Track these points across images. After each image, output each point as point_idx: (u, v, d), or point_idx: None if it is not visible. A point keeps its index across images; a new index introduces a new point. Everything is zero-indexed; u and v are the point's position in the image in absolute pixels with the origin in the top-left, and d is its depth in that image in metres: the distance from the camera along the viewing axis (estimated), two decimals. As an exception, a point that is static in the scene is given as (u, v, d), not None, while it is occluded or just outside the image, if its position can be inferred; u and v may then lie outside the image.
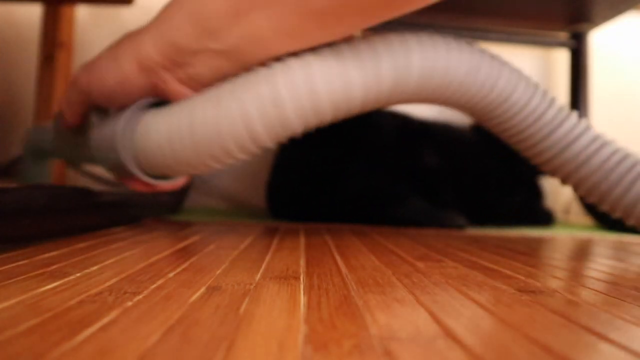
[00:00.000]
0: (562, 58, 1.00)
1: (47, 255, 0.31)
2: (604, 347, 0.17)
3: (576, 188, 0.44)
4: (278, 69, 0.35)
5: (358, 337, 0.17)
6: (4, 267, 0.26)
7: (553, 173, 0.45)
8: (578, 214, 0.98)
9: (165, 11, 0.36)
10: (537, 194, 0.84)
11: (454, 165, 0.76)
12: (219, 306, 0.20)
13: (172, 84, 0.37)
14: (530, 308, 0.22)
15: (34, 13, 0.89)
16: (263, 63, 0.37)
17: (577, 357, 0.16)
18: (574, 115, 0.43)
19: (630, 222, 0.44)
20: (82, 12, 0.93)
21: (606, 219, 0.83)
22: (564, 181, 0.45)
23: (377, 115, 0.78)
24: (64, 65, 0.84)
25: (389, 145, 0.74)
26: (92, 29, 0.95)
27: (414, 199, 0.70)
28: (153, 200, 0.65)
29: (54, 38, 0.82)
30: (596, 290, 0.27)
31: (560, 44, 0.93)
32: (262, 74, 0.36)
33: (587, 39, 0.90)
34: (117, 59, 0.37)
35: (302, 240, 0.45)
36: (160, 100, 0.39)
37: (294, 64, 0.35)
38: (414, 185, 0.72)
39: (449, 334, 0.18)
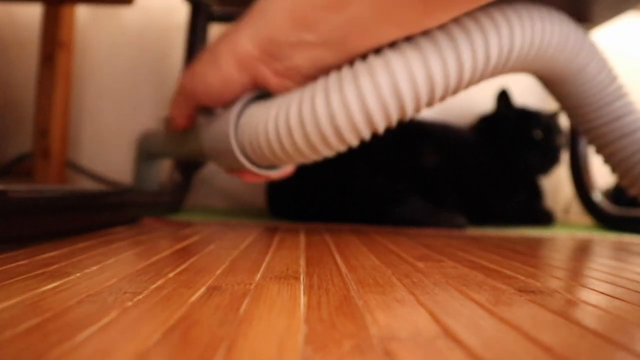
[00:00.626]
0: (562, 58, 1.00)
1: (47, 255, 0.31)
2: (605, 347, 0.17)
3: (616, 166, 0.45)
4: (396, 56, 0.35)
5: (358, 337, 0.17)
6: (4, 267, 0.26)
7: (601, 148, 0.46)
8: (578, 214, 0.98)
9: (258, 6, 0.36)
10: (537, 194, 0.84)
11: (454, 165, 0.76)
12: (219, 306, 0.20)
13: (271, 77, 0.38)
14: (530, 308, 0.22)
15: (34, 13, 0.89)
16: (364, 53, 0.36)
17: (577, 357, 0.16)
18: (628, 93, 0.46)
19: None
20: (82, 12, 0.93)
21: (607, 218, 0.83)
22: (607, 159, 0.46)
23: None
24: (64, 65, 0.84)
25: (389, 145, 0.74)
26: (92, 29, 0.95)
27: (414, 199, 0.70)
28: (153, 200, 0.65)
29: (54, 38, 0.82)
30: (596, 290, 0.27)
31: (560, 44, 0.93)
32: (381, 61, 0.35)
33: (587, 39, 0.90)
34: (216, 60, 0.38)
35: (302, 240, 0.45)
36: (264, 92, 0.40)
37: (410, 51, 0.35)
38: (414, 185, 0.72)
39: (449, 334, 0.18)
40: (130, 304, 0.20)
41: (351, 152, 0.72)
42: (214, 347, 0.15)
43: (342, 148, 0.39)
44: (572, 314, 0.21)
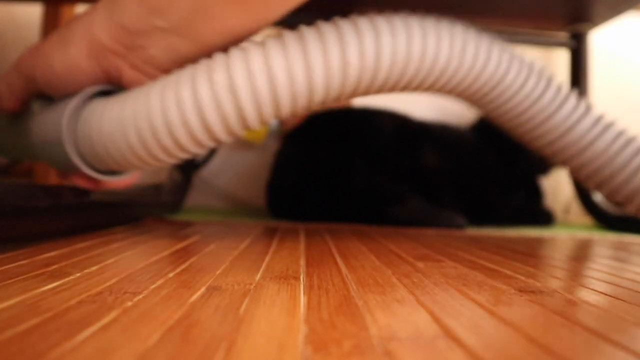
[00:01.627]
0: (562, 58, 1.00)
1: (47, 255, 0.31)
2: (605, 347, 0.17)
3: (575, 172, 0.43)
4: (236, 54, 0.33)
5: (358, 337, 0.17)
6: (4, 267, 0.26)
7: (552, 157, 0.44)
8: (578, 214, 0.98)
9: None
10: (537, 194, 0.84)
11: (454, 165, 0.76)
12: (219, 306, 0.20)
13: (126, 71, 0.35)
14: (530, 308, 0.22)
15: (34, 13, 0.89)
16: (225, 46, 0.34)
17: (577, 357, 0.16)
18: (573, 97, 0.42)
19: (630, 208, 0.43)
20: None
21: (606, 218, 0.83)
22: (563, 164, 0.44)
23: (377, 115, 0.78)
24: (64, 65, 0.83)
25: (389, 145, 0.74)
26: (92, 29, 0.95)
27: (413, 199, 0.70)
28: (153, 200, 0.65)
29: (54, 38, 0.82)
30: (596, 290, 0.27)
31: (560, 44, 0.93)
32: (220, 59, 0.33)
33: (587, 39, 0.90)
34: (67, 42, 0.34)
35: (302, 240, 0.45)
36: (111, 88, 0.36)
37: (253, 50, 0.33)
38: (414, 185, 0.72)
39: (449, 334, 0.18)
40: (130, 304, 0.20)
41: (351, 153, 0.72)
42: (214, 347, 0.15)
43: (184, 154, 0.36)
44: (572, 314, 0.21)
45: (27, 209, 0.36)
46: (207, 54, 0.35)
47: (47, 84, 0.35)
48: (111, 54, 0.34)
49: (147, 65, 0.35)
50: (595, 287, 0.28)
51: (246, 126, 0.35)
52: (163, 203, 0.69)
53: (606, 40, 1.02)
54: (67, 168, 0.37)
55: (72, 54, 0.34)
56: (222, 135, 0.35)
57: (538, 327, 0.19)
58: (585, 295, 0.26)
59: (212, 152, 0.88)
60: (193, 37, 0.34)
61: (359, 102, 0.96)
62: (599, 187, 0.43)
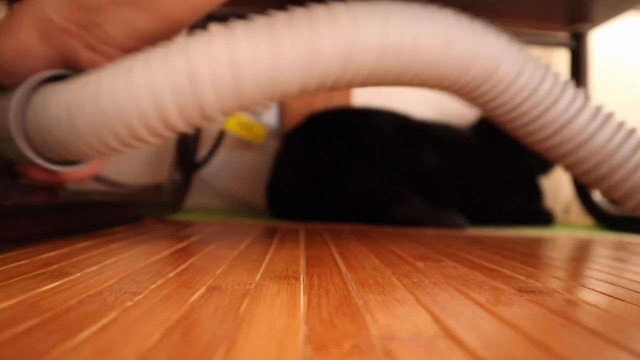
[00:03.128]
0: (562, 58, 1.00)
1: (47, 255, 0.31)
2: (605, 347, 0.17)
3: (570, 168, 0.41)
4: (199, 39, 0.31)
5: (358, 337, 0.17)
6: (4, 267, 0.26)
7: (547, 153, 0.42)
8: (578, 214, 0.98)
9: None
10: (537, 194, 0.84)
11: (454, 165, 0.76)
12: (219, 306, 0.20)
13: (82, 52, 0.32)
14: (530, 308, 0.22)
15: None
16: (186, 22, 0.32)
17: (577, 357, 0.16)
18: (571, 88, 0.39)
19: (628, 206, 0.41)
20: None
21: (606, 218, 0.83)
22: (557, 161, 0.42)
23: (376, 115, 0.78)
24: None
25: (389, 145, 0.74)
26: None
27: (413, 199, 0.70)
28: (153, 200, 0.65)
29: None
30: (596, 290, 0.27)
31: (560, 44, 0.93)
32: (182, 43, 0.31)
33: (587, 39, 0.90)
34: (14, 26, 0.32)
35: (302, 240, 0.45)
36: (66, 72, 0.34)
37: (217, 34, 0.31)
38: (414, 185, 0.72)
39: (449, 334, 0.18)
40: (130, 304, 0.20)
41: (351, 152, 0.72)
42: (214, 347, 0.15)
43: (140, 143, 0.33)
44: (572, 314, 0.21)
45: (27, 209, 0.36)
46: (168, 31, 0.33)
47: None
48: (65, 34, 0.32)
49: (104, 44, 0.32)
50: (595, 287, 0.28)
51: (206, 117, 0.33)
52: (163, 203, 0.69)
53: (606, 40, 1.02)
54: (20, 160, 0.35)
55: (22, 38, 0.32)
56: (180, 124, 0.33)
57: (538, 327, 0.19)
58: (585, 295, 0.26)
59: (212, 152, 0.88)
60: (154, 13, 0.31)
61: (359, 102, 0.96)
62: (596, 184, 0.41)
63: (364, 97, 0.96)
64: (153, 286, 0.23)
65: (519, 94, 0.38)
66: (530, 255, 0.41)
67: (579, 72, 0.91)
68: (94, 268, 0.27)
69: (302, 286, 0.25)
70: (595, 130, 0.39)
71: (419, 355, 0.16)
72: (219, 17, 0.82)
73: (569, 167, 0.42)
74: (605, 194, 0.42)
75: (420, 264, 0.33)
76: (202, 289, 0.23)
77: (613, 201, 0.42)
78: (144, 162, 0.93)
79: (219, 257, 0.33)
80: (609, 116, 0.40)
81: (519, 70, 0.38)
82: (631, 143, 0.39)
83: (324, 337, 0.17)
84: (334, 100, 0.91)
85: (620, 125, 0.40)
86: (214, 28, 0.33)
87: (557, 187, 1.00)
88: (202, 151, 0.88)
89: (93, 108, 0.31)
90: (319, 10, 0.33)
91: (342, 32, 0.32)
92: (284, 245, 0.40)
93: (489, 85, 0.38)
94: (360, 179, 0.70)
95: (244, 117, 0.87)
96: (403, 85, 0.38)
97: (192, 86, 0.31)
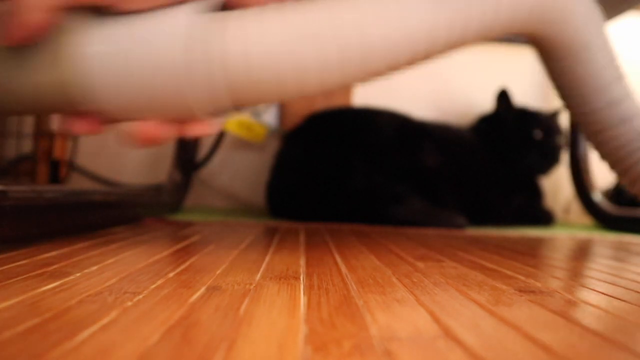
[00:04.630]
0: (562, 58, 1.00)
1: (47, 255, 0.31)
2: (605, 347, 0.17)
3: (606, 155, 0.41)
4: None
5: (358, 337, 0.17)
6: (4, 267, 0.26)
7: (594, 135, 0.41)
8: (578, 214, 0.98)
9: None
10: (537, 194, 0.84)
11: (454, 165, 0.76)
12: (219, 306, 0.20)
13: None
14: (530, 308, 0.22)
15: None
16: None
17: (577, 357, 0.16)
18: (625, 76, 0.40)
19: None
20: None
21: (606, 218, 0.83)
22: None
23: (377, 115, 0.78)
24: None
25: (389, 145, 0.74)
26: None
27: (413, 199, 0.70)
28: (153, 200, 0.65)
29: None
30: (596, 290, 0.27)
31: (560, 44, 0.93)
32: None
33: (587, 39, 0.90)
34: None
35: (302, 240, 0.45)
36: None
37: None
38: (414, 185, 0.72)
39: (449, 334, 0.18)
40: (130, 304, 0.20)
41: (351, 152, 0.72)
42: (214, 347, 0.15)
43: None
44: (572, 314, 0.21)
45: (27, 209, 0.36)
46: None
47: None
48: None
49: None
50: (595, 287, 0.28)
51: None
52: (163, 203, 0.69)
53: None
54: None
55: None
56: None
57: (538, 327, 0.19)
58: (585, 295, 0.26)
59: (212, 152, 0.88)
60: None
61: (359, 102, 0.96)
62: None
63: (364, 97, 0.96)
64: (153, 286, 0.23)
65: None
66: (530, 255, 0.41)
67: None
68: (94, 268, 0.27)
69: (302, 286, 0.25)
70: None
71: (419, 355, 0.16)
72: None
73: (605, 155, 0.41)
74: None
75: (420, 264, 0.33)
76: (202, 289, 0.23)
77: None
78: (144, 162, 0.93)
79: (219, 257, 0.33)
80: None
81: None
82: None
83: (324, 337, 0.17)
84: (334, 100, 0.91)
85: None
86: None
87: (557, 187, 1.00)
88: (202, 151, 0.88)
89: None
90: None
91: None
92: (284, 246, 0.40)
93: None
94: (360, 179, 0.70)
95: (244, 117, 0.87)
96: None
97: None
